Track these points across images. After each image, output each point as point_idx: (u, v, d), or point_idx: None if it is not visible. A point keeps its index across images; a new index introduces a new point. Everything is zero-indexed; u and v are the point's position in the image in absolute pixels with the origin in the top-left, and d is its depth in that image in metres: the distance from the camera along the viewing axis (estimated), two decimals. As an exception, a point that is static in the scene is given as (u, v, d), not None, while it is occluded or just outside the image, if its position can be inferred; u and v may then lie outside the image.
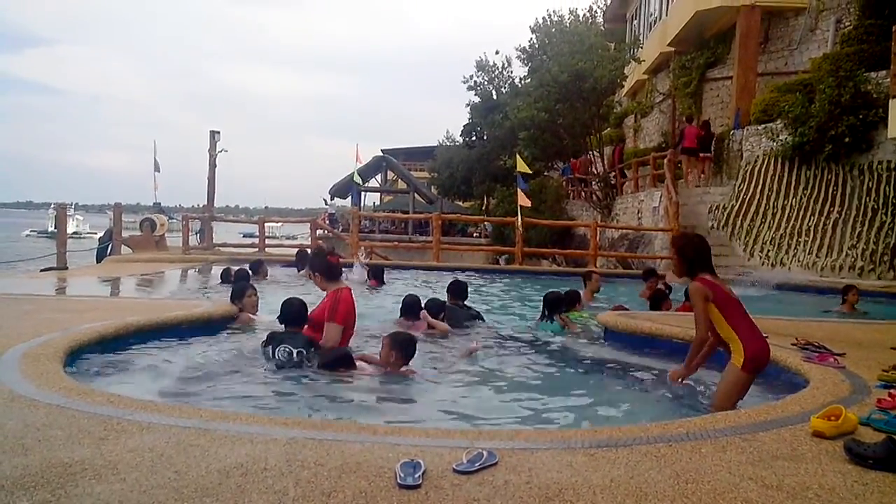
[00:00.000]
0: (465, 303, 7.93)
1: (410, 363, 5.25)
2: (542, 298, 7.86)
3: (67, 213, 17.17)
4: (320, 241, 18.88)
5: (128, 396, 3.69)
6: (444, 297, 7.82)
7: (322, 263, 5.75)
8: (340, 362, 5.09)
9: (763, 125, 17.25)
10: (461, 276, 13.31)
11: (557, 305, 7.61)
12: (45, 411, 3.24)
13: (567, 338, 7.14)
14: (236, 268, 10.91)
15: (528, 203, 16.63)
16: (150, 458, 2.68)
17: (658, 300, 8.52)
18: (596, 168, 25.47)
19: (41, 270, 13.33)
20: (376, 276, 11.27)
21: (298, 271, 12.23)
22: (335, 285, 5.67)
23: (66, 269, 13.19)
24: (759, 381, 5.04)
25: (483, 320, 7.66)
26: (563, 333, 7.31)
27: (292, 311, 5.59)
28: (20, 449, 2.74)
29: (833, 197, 14.83)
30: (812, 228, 14.51)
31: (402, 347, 5.16)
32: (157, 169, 19.85)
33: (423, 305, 7.11)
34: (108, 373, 4.87)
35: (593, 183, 25.52)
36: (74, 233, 49.79)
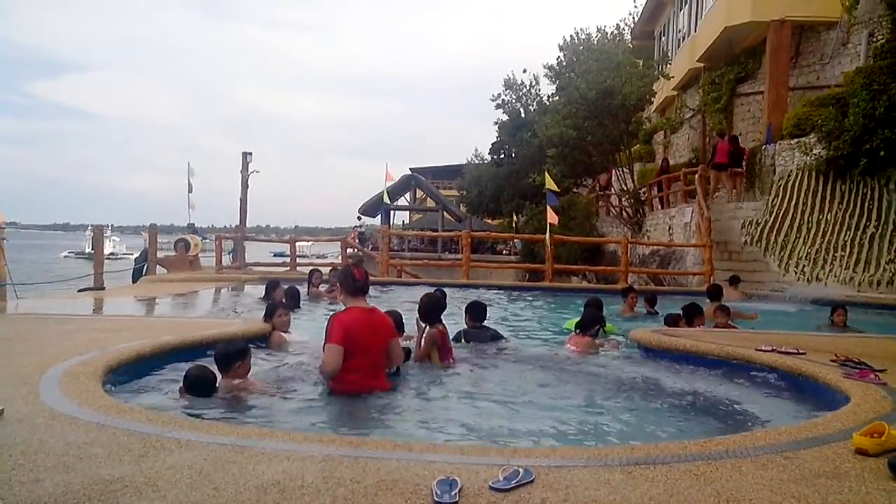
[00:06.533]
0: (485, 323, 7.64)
1: None
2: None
3: (104, 235, 17.43)
4: (350, 260, 18.97)
5: (166, 414, 3.73)
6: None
7: (344, 275, 5.21)
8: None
9: (796, 140, 17.05)
10: (490, 293, 13.32)
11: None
12: (85, 429, 3.29)
13: (600, 355, 7.07)
14: (286, 286, 10.65)
15: (554, 220, 16.58)
16: (188, 475, 2.71)
17: (691, 316, 8.37)
18: (625, 184, 25.41)
19: (79, 291, 13.51)
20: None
21: (307, 292, 12.23)
22: (353, 302, 5.13)
23: (103, 289, 13.36)
24: (798, 398, 4.96)
25: (504, 339, 7.38)
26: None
27: None
28: (62, 467, 2.78)
29: (869, 211, 14.62)
30: (848, 243, 14.26)
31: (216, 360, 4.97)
32: (190, 190, 20.15)
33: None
34: (146, 391, 4.93)
35: (622, 199, 25.39)
36: (111, 254, 50.61)
